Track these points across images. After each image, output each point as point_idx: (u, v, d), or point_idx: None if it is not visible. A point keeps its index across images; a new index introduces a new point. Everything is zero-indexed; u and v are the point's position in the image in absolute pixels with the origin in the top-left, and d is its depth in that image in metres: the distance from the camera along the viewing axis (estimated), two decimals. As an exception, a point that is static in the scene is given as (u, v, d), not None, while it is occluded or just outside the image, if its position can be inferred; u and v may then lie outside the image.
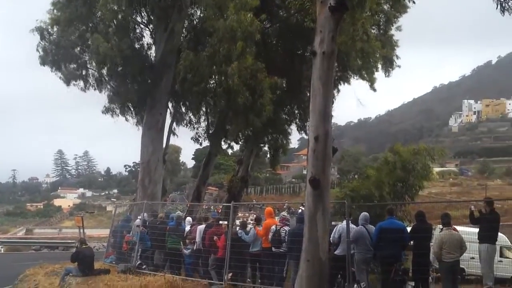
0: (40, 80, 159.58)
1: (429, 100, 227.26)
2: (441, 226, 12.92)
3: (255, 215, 26.40)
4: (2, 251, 35.36)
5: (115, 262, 17.42)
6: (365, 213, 13.30)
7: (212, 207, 29.77)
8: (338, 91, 25.72)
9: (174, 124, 25.74)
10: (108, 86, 23.00)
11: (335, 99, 26.20)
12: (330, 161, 11.61)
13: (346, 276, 12.11)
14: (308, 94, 12.28)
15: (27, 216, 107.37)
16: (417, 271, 12.23)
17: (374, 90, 24.63)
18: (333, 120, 11.99)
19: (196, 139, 27.63)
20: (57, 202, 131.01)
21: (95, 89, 22.98)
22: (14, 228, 73.16)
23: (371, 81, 24.43)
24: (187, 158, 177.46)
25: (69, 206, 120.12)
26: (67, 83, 22.17)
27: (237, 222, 17.63)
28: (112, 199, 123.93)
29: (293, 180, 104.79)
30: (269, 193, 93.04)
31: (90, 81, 22.73)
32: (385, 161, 21.41)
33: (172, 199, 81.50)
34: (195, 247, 15.46)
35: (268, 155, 29.63)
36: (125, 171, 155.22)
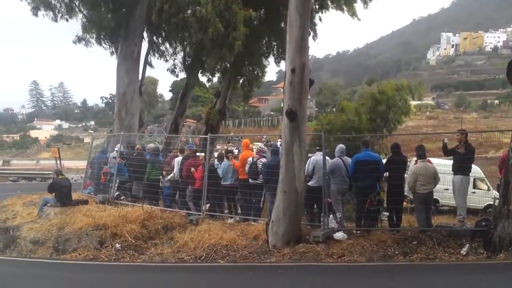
0: (7, 9, 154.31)
1: (408, 33, 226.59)
2: (416, 158, 13.15)
3: (228, 148, 26.61)
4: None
5: (94, 193, 17.53)
6: (342, 145, 13.49)
7: (189, 139, 29.84)
8: (320, 19, 25.43)
9: (150, 55, 25.31)
10: (80, 15, 22.26)
11: (314, 32, 26.04)
12: (306, 93, 11.62)
13: (322, 206, 12.38)
14: (286, 26, 12.10)
15: (3, 147, 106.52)
16: (392, 202, 12.53)
17: (359, 19, 24.43)
18: (311, 53, 11.95)
19: (172, 71, 27.37)
20: (33, 133, 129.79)
21: (67, 19, 22.19)
22: (-10, 160, 72.70)
23: (352, 12, 24.18)
24: (164, 90, 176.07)
25: (45, 137, 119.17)
26: (35, 13, 21.23)
27: (215, 154, 17.74)
28: (89, 131, 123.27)
29: (272, 113, 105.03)
30: (247, 126, 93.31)
31: (61, 9, 21.80)
32: (362, 97, 21.52)
33: (150, 131, 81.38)
34: (172, 178, 15.59)
35: (243, 88, 29.46)
36: (102, 102, 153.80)
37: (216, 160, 15.49)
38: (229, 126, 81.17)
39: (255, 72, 27.92)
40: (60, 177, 16.65)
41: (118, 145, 17.51)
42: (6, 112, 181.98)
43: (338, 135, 16.97)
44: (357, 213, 12.81)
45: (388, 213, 12.88)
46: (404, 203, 13.89)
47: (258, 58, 26.45)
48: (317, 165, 12.93)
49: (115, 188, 16.35)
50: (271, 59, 27.59)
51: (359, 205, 12.67)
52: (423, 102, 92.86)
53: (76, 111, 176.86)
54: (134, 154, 17.09)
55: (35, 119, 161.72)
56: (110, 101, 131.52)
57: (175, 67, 27.07)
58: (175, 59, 26.67)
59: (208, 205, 14.36)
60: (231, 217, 14.36)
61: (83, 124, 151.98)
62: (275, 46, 26.76)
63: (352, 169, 12.68)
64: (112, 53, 24.13)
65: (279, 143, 19.36)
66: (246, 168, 14.12)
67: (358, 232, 12.32)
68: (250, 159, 14.14)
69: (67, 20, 22.08)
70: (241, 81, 29.21)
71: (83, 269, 11.46)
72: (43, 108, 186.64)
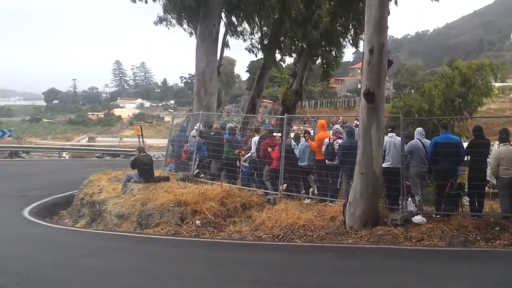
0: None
1: (491, 12, 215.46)
2: (498, 142, 12.71)
3: (305, 129, 26.57)
4: (67, 158, 37.01)
5: (174, 170, 18.09)
6: (420, 128, 13.22)
7: (266, 119, 30.01)
8: (396, 2, 24.78)
9: (228, 35, 25.59)
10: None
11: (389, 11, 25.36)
12: (385, 74, 11.47)
13: (400, 189, 12.24)
14: (364, 6, 11.92)
15: (88, 124, 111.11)
16: (473, 187, 12.20)
17: (437, 0, 23.58)
18: (390, 33, 11.72)
19: (250, 50, 27.55)
20: (116, 111, 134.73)
21: (145, 1, 22.84)
22: (77, 136, 76.07)
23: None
24: (241, 70, 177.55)
25: (128, 115, 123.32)
26: None
27: (291, 135, 17.84)
28: (169, 110, 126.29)
29: (348, 94, 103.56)
30: (323, 106, 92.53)
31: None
32: (442, 76, 20.76)
33: (227, 111, 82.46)
34: (250, 157, 15.83)
35: (322, 68, 29.26)
36: (181, 82, 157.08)
37: (292, 140, 15.59)
38: (305, 107, 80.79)
39: (332, 53, 27.63)
40: (142, 154, 17.27)
41: (198, 124, 17.94)
42: (91, 91, 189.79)
43: (416, 117, 16.52)
44: (437, 197, 12.57)
45: (469, 198, 12.56)
46: (486, 188, 13.43)
47: (335, 39, 26.14)
48: (388, 146, 12.76)
49: (195, 166, 16.80)
50: (348, 40, 27.18)
51: (439, 189, 12.42)
52: (506, 84, 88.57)
53: (156, 90, 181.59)
54: (212, 133, 17.46)
55: (118, 98, 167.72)
56: (189, 81, 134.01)
57: (253, 47, 27.27)
58: (252, 39, 26.84)
59: (285, 185, 14.51)
60: (308, 198, 14.46)
61: (164, 103, 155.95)
62: (352, 27, 26.33)
63: (431, 152, 12.43)
64: (191, 33, 24.63)
65: (355, 125, 19.22)
66: (323, 149, 14.13)
67: (438, 216, 12.11)
68: (326, 140, 14.13)
69: (146, 1, 22.75)
70: (317, 61, 29.01)
71: (165, 243, 11.95)
72: (125, 87, 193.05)
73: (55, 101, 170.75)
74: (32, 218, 15.72)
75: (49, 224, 15.48)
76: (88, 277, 8.65)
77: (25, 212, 16.42)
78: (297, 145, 14.93)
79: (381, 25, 11.09)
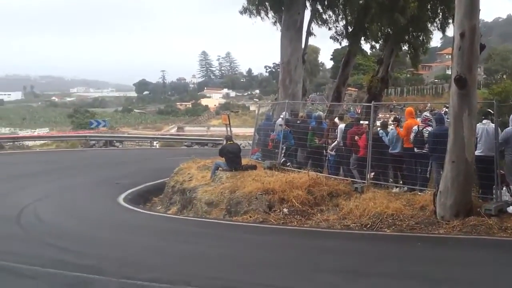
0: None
1: None
2: None
3: (394, 116, 26.03)
4: (157, 147, 38.28)
5: (261, 158, 18.30)
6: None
7: (351, 107, 29.65)
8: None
9: (313, 23, 25.44)
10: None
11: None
12: (477, 59, 11.06)
13: (494, 178, 11.78)
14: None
15: (177, 114, 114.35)
16: None
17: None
18: (480, 16, 11.24)
19: (335, 38, 27.26)
20: (203, 101, 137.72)
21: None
22: (166, 126, 78.58)
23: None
24: (325, 58, 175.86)
25: (214, 105, 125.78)
26: None
27: (378, 123, 17.56)
28: (255, 99, 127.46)
29: (436, 80, 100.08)
30: (410, 94, 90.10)
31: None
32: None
33: (312, 99, 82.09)
34: (336, 145, 15.75)
35: (409, 55, 28.47)
36: (266, 71, 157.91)
37: (379, 128, 15.36)
38: (391, 94, 79.06)
39: (420, 39, 26.82)
40: (229, 142, 17.60)
41: (284, 113, 18.03)
42: (179, 82, 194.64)
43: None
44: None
45: None
46: None
47: (422, 24, 25.34)
48: (481, 133, 12.27)
49: (282, 155, 16.93)
50: (436, 25, 26.24)
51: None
52: None
53: (242, 80, 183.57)
54: (298, 122, 17.50)
55: (205, 88, 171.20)
56: (273, 70, 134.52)
57: (337, 35, 26.97)
58: (337, 26, 26.54)
59: (372, 173, 14.34)
60: (396, 186, 14.23)
61: (249, 92, 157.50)
62: (440, 11, 25.40)
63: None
64: (275, 22, 24.69)
65: (444, 112, 18.62)
66: (411, 137, 13.83)
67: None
68: (415, 127, 13.82)
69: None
70: (404, 48, 28.26)
71: (253, 231, 12.18)
72: (212, 77, 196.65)
73: (146, 92, 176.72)
74: (126, 205, 16.46)
75: (143, 211, 16.14)
76: (181, 263, 8.99)
77: (120, 199, 17.20)
78: (385, 133, 14.69)
79: (472, 8, 10.69)
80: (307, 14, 24.18)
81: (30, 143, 35.36)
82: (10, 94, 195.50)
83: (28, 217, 13.47)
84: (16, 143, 32.82)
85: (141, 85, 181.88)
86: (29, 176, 20.38)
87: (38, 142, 36.85)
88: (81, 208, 15.53)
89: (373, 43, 28.09)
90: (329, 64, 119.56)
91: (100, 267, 8.42)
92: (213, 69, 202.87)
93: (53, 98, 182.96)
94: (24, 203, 15.20)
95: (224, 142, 18.07)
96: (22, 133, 54.38)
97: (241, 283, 7.63)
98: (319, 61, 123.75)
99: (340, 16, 25.99)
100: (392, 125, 14.95)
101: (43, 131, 61.18)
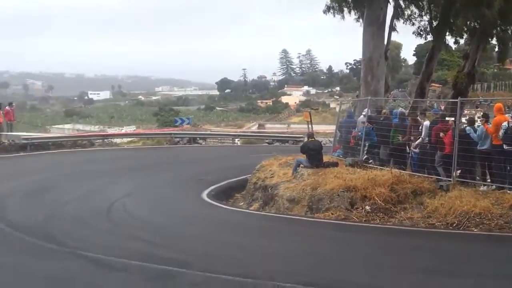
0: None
1: None
2: None
3: (482, 112, 25.05)
4: (239, 144, 38.77)
5: (342, 156, 18.19)
6: None
7: (434, 104, 28.82)
8: None
9: (395, 19, 24.92)
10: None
11: None
12: None
13: None
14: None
15: (258, 112, 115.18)
16: None
17: None
18: None
19: (418, 34, 26.57)
20: (284, 99, 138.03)
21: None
22: (247, 123, 79.27)
23: None
24: (407, 54, 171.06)
25: (295, 103, 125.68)
26: None
27: (463, 119, 16.98)
28: (335, 96, 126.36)
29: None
30: (497, 89, 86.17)
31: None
32: None
33: (393, 96, 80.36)
34: (421, 142, 15.40)
35: (496, 49, 27.25)
36: (346, 68, 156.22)
37: (465, 125, 14.87)
38: (477, 90, 75.94)
39: (509, 32, 25.62)
40: (311, 139, 17.60)
41: (366, 110, 17.82)
42: (260, 80, 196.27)
43: None
44: None
45: None
46: None
47: (511, 17, 24.19)
48: None
49: (364, 152, 16.75)
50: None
51: None
52: None
53: (322, 77, 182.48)
54: (381, 119, 17.24)
55: (285, 86, 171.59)
56: (354, 67, 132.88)
57: (421, 30, 26.28)
58: (420, 21, 25.85)
59: (459, 171, 13.92)
60: (484, 185, 13.74)
61: (329, 89, 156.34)
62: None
63: None
64: (357, 19, 24.40)
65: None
66: (500, 134, 13.30)
67: None
68: (504, 124, 13.26)
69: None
70: (492, 42, 27.08)
71: (335, 228, 12.19)
72: (292, 75, 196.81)
73: (227, 90, 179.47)
74: (210, 201, 16.80)
75: (226, 207, 16.44)
76: (265, 258, 9.14)
77: (204, 195, 17.58)
78: (472, 129, 14.21)
79: None
80: (390, 9, 23.75)
81: (118, 140, 36.83)
82: (99, 94, 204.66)
83: (117, 212, 14.09)
84: (105, 140, 34.24)
85: (223, 84, 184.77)
86: (118, 172, 21.22)
87: (125, 139, 38.29)
88: (167, 203, 16.05)
89: (458, 38, 27.18)
90: (411, 60, 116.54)
91: (186, 261, 8.72)
92: (294, 66, 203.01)
93: (139, 97, 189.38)
94: (113, 198, 15.87)
95: (305, 139, 18.05)
96: (111, 130, 56.73)
97: (325, 279, 7.67)
98: (401, 57, 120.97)
99: (424, 11, 25.33)
100: (479, 122, 14.41)
101: (130, 128, 63.59)
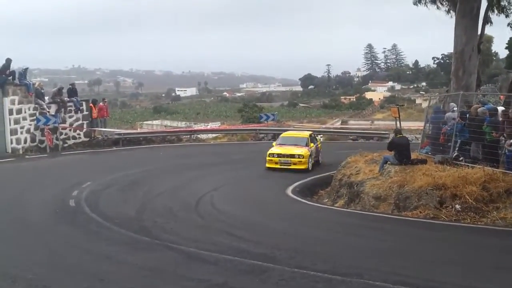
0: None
1: None
2: None
3: None
4: (322, 140, 38.59)
5: (431, 153, 17.70)
6: None
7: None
8: None
9: (489, 10, 23.93)
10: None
11: None
12: None
13: None
14: None
15: (341, 108, 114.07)
16: None
17: None
18: None
19: (513, 26, 25.38)
20: (368, 95, 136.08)
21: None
22: (330, 120, 78.80)
23: None
24: (499, 48, 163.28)
25: (379, 99, 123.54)
26: None
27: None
28: (421, 92, 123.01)
29: None
30: None
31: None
32: None
33: (483, 91, 77.05)
34: None
35: None
36: (433, 63, 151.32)
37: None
38: None
39: None
40: (399, 136, 17.26)
41: (452, 104, 17.25)
42: (344, 75, 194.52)
43: None
44: None
45: None
46: None
47: None
48: None
49: (456, 149, 16.22)
50: None
51: None
52: None
53: (408, 72, 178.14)
54: (475, 115, 16.57)
55: (370, 81, 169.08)
56: (442, 61, 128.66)
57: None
58: (516, 12, 24.65)
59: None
60: None
61: (415, 85, 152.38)
62: None
63: None
64: (448, 11, 23.65)
65: None
66: None
67: None
68: None
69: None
70: None
71: (424, 226, 11.97)
72: (377, 70, 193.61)
73: (311, 86, 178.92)
74: (295, 197, 16.84)
75: (311, 203, 16.44)
76: (352, 255, 9.10)
77: (289, 191, 17.66)
78: None
79: None
80: (484, 1, 22.85)
81: (204, 136, 37.59)
82: (186, 90, 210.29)
83: (205, 206, 14.46)
84: (192, 136, 35.05)
85: (306, 80, 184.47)
86: (204, 167, 21.69)
87: (211, 135, 39.02)
88: (252, 198, 16.24)
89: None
90: (503, 53, 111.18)
91: (274, 256, 8.84)
92: (378, 62, 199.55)
93: (224, 93, 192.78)
94: (201, 193, 16.28)
95: (393, 136, 17.69)
96: (196, 126, 57.99)
97: (416, 279, 7.55)
98: (492, 51, 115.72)
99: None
100: None
101: (215, 124, 64.79)
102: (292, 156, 21.66)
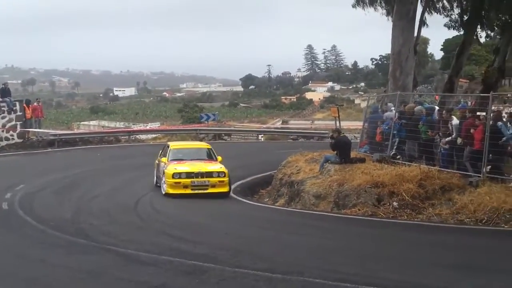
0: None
1: None
2: None
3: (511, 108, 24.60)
4: (262, 140, 38.75)
5: (369, 152, 18.03)
6: None
7: (461, 99, 28.36)
8: None
9: (426, 12, 24.64)
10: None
11: None
12: None
13: None
14: None
15: (282, 108, 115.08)
16: None
17: None
18: None
19: (450, 26, 26.26)
20: (308, 95, 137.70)
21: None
22: (271, 120, 79.37)
23: None
24: (434, 49, 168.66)
25: (319, 99, 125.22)
26: None
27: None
28: (360, 92, 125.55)
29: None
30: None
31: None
32: None
33: (419, 91, 79.28)
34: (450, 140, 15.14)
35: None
36: (372, 64, 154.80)
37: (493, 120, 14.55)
38: (505, 85, 74.63)
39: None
40: (342, 135, 17.55)
41: (390, 104, 17.65)
42: (284, 76, 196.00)
43: None
44: None
45: None
46: None
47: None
48: None
49: (394, 147, 16.58)
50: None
51: None
52: None
53: (347, 73, 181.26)
54: (409, 115, 16.97)
55: (310, 82, 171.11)
56: (380, 62, 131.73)
57: (451, 22, 25.97)
58: (451, 15, 25.54)
59: (489, 167, 13.67)
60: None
61: (354, 85, 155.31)
62: None
63: None
64: (387, 13, 24.18)
65: None
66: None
67: None
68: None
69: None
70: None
71: (363, 224, 12.15)
72: (317, 71, 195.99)
73: (251, 87, 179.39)
74: (236, 196, 16.79)
75: (251, 202, 16.49)
76: (293, 254, 9.09)
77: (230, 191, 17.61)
78: (504, 125, 13.92)
79: None
80: (420, 3, 23.50)
81: (143, 136, 37.08)
82: (124, 91, 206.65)
83: (144, 207, 14.18)
84: (131, 136, 34.48)
85: (247, 80, 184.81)
86: (143, 168, 21.17)
87: (150, 136, 38.55)
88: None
89: (489, 31, 26.80)
90: (438, 55, 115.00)
91: (215, 256, 8.72)
92: (318, 62, 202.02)
93: (164, 93, 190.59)
94: (140, 194, 16.03)
95: (335, 135, 17.84)
96: (136, 127, 57.12)
97: (354, 276, 7.59)
98: (428, 52, 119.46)
99: (455, 4, 24.99)
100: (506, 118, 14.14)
101: (154, 125, 63.95)
102: (210, 175, 16.20)
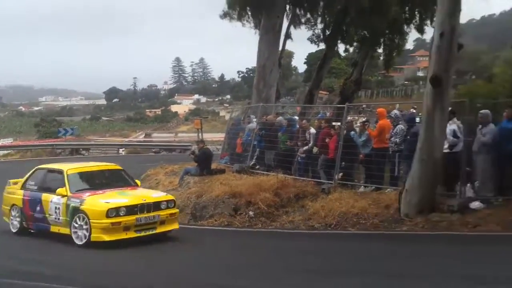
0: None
1: None
2: None
3: (364, 118, 26.05)
4: (123, 154, 37.85)
5: (230, 163, 18.08)
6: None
7: (320, 110, 29.60)
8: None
9: (292, 26, 25.34)
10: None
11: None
12: (454, 58, 11.19)
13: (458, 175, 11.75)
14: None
15: (146, 121, 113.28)
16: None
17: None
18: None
19: (312, 40, 27.16)
20: (173, 108, 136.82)
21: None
22: (134, 133, 77.81)
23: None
24: (298, 63, 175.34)
25: (184, 111, 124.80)
26: None
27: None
28: (225, 105, 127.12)
29: (406, 82, 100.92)
30: (379, 96, 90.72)
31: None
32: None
33: (282, 103, 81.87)
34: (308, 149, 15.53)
35: (382, 57, 28.55)
36: (238, 76, 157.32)
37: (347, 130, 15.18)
38: (361, 96, 79.43)
39: (396, 41, 26.87)
40: (206, 146, 17.48)
41: (254, 116, 17.88)
42: (150, 89, 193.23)
43: (484, 101, 15.50)
44: (497, 183, 11.94)
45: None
46: None
47: (399, 26, 25.42)
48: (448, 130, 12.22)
49: (254, 158, 16.72)
50: (415, 26, 26.23)
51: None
52: None
53: (213, 85, 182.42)
54: (273, 126, 17.24)
55: (176, 94, 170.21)
56: (246, 75, 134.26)
57: (314, 37, 26.93)
58: (315, 29, 26.45)
59: (341, 174, 14.19)
60: (365, 186, 14.10)
61: (220, 98, 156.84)
62: (418, 13, 25.41)
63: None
64: (255, 26, 24.44)
65: (410, 113, 18.71)
66: (387, 137, 13.68)
67: (499, 201, 11.54)
68: (400, 126, 13.63)
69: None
70: (379, 50, 28.35)
71: (216, 234, 12.32)
72: (184, 83, 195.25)
73: (115, 100, 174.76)
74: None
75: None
76: (147, 270, 8.76)
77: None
78: (355, 134, 14.55)
79: (455, 8, 10.81)
80: (286, 18, 24.17)
81: (-8, 153, 34.68)
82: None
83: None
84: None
85: (111, 93, 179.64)
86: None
87: (1, 152, 36.19)
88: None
89: (348, 46, 28.17)
90: (301, 68, 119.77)
91: (71, 277, 8.27)
92: (186, 75, 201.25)
93: (20, 107, 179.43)
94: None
95: (195, 147, 17.68)
96: (-17, 144, 52.89)
97: (207, 286, 7.43)
98: (292, 65, 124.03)
99: (319, 20, 25.93)
100: (361, 127, 14.82)
101: (6, 141, 59.63)
102: (158, 206, 11.14)
